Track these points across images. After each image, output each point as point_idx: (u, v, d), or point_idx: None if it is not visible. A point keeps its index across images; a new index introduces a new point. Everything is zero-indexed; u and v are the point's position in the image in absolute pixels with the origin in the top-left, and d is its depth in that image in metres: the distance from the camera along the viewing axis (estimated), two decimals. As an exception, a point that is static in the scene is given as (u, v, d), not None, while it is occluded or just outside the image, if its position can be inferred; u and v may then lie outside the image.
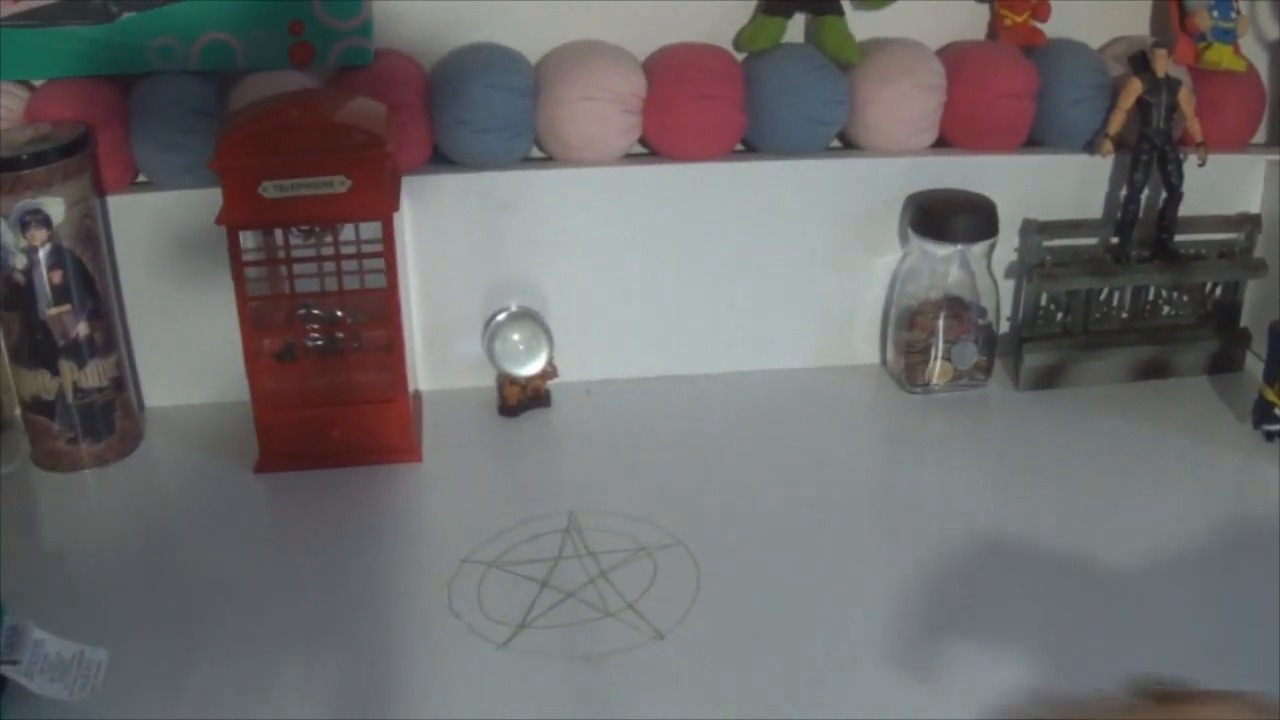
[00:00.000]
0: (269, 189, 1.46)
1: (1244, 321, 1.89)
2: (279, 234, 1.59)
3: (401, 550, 1.48)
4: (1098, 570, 1.43)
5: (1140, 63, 1.74)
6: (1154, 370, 1.86)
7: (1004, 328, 1.87)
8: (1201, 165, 1.79)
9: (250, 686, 1.24)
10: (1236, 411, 1.74)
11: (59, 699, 1.14)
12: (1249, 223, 1.85)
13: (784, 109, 1.76)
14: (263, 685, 1.24)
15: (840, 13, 1.78)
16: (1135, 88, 1.74)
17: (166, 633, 1.32)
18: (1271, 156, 1.88)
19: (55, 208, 1.51)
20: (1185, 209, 1.80)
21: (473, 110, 1.69)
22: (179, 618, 1.35)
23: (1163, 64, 1.73)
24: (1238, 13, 1.80)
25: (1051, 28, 1.85)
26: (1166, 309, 1.86)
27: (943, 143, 1.86)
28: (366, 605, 1.37)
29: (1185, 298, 1.86)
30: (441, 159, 1.76)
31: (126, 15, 1.61)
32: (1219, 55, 1.80)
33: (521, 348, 1.74)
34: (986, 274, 1.80)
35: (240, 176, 1.46)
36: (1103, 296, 1.85)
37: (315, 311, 1.64)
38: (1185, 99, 1.77)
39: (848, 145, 1.87)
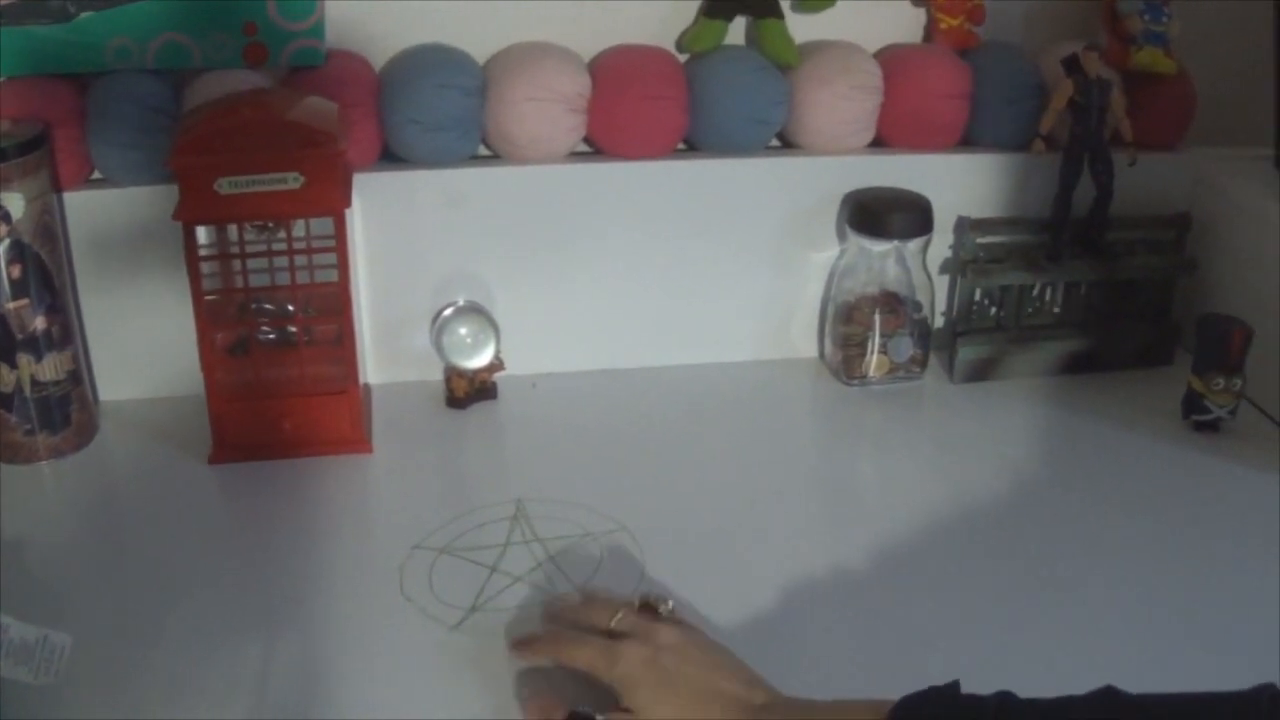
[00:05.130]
0: (224, 185, 1.48)
1: (1174, 316, 1.93)
2: (233, 229, 1.61)
3: (353, 538, 1.49)
4: (1030, 558, 1.46)
5: (1072, 64, 1.77)
6: (1085, 363, 1.89)
7: (939, 322, 1.91)
8: (1132, 165, 1.82)
9: (208, 671, 1.25)
10: (1166, 403, 1.77)
11: (24, 682, 1.14)
12: (1180, 221, 1.89)
13: (725, 109, 1.79)
14: (220, 669, 1.25)
15: (780, 16, 1.81)
16: (1067, 89, 1.77)
17: (125, 619, 1.33)
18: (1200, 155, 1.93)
19: (15, 203, 1.52)
20: (1117, 207, 1.83)
21: (422, 109, 1.71)
22: (137, 605, 1.36)
23: (1094, 66, 1.76)
24: (1168, 16, 1.83)
25: (986, 31, 1.90)
26: (1098, 304, 1.89)
27: (880, 142, 1.89)
28: (320, 591, 1.39)
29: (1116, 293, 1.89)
30: (392, 157, 1.78)
31: (84, 15, 1.62)
32: (1150, 57, 1.84)
33: (469, 341, 1.75)
34: (922, 270, 1.83)
35: (196, 173, 1.48)
36: (1035, 292, 1.88)
37: (267, 306, 1.66)
38: (1116, 100, 1.80)
39: (787, 144, 1.90)
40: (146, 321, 1.73)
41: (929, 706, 1.01)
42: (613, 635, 1.16)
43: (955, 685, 1.01)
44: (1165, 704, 0.94)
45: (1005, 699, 0.98)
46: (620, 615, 1.19)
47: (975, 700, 0.99)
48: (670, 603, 1.22)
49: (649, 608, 1.21)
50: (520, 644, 1.24)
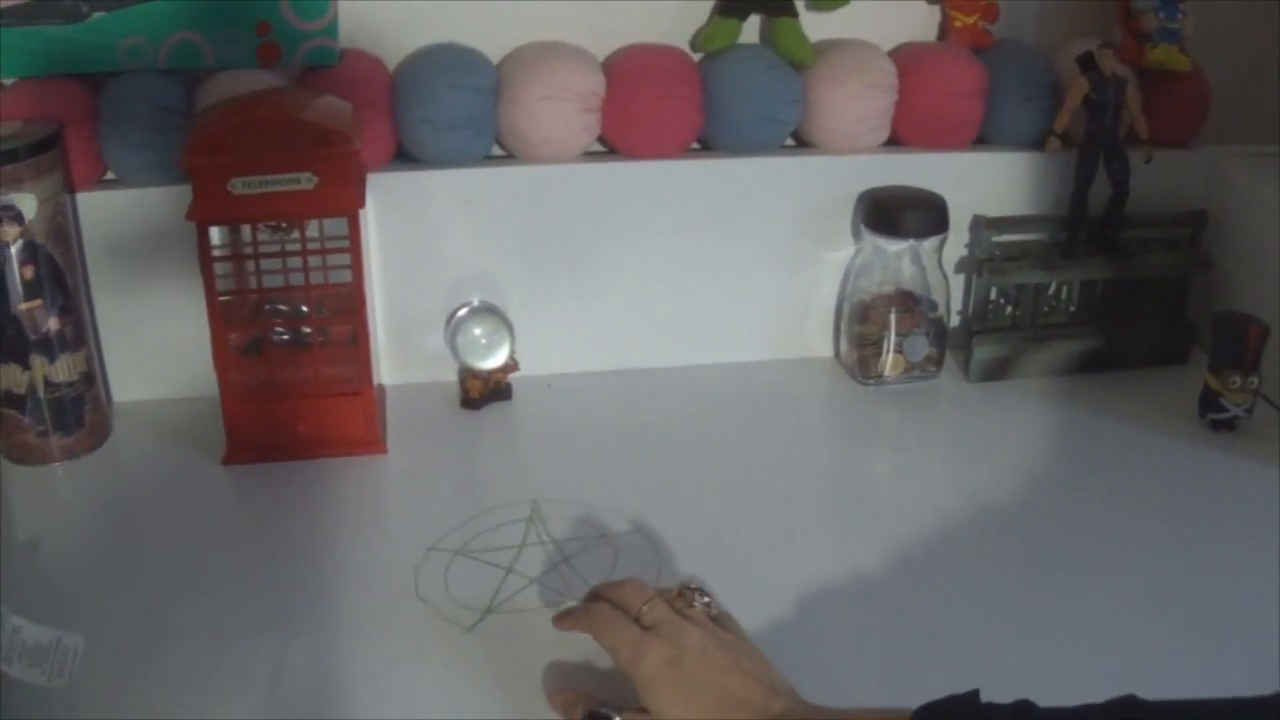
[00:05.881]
0: (237, 185, 1.48)
1: (1190, 314, 1.92)
2: (246, 230, 1.61)
3: (368, 539, 1.49)
4: (1047, 558, 1.46)
5: (1087, 62, 1.77)
6: (1101, 362, 1.88)
7: (954, 321, 1.91)
8: (1148, 162, 1.81)
9: (221, 672, 1.25)
10: (1182, 402, 1.77)
11: (37, 684, 1.14)
12: (1195, 218, 1.88)
13: (739, 108, 1.79)
14: (234, 670, 1.25)
15: (795, 14, 1.81)
16: (1082, 87, 1.77)
17: (139, 620, 1.33)
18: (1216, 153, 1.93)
19: (27, 204, 1.51)
20: (1132, 205, 1.83)
21: (436, 109, 1.71)
22: (150, 606, 1.36)
23: (1109, 63, 1.76)
24: (1183, 13, 1.83)
25: (1000, 29, 1.89)
26: (1113, 302, 1.89)
27: (895, 141, 1.89)
28: (335, 592, 1.38)
29: (1132, 291, 1.89)
30: (405, 157, 1.78)
31: (97, 15, 1.62)
32: (1165, 55, 1.83)
33: (483, 342, 1.75)
34: (937, 269, 1.83)
35: (210, 173, 1.48)
36: (1051, 290, 1.88)
37: (281, 306, 1.66)
38: (1131, 98, 1.80)
39: (802, 143, 1.90)
40: (160, 322, 1.73)
41: (947, 716, 1.00)
42: (643, 625, 1.15)
43: (975, 694, 1.00)
44: (1188, 712, 0.93)
45: (1024, 708, 0.98)
46: (653, 602, 1.17)
47: (995, 710, 0.99)
48: (706, 598, 1.21)
49: (685, 597, 1.20)
50: (560, 616, 1.23)
